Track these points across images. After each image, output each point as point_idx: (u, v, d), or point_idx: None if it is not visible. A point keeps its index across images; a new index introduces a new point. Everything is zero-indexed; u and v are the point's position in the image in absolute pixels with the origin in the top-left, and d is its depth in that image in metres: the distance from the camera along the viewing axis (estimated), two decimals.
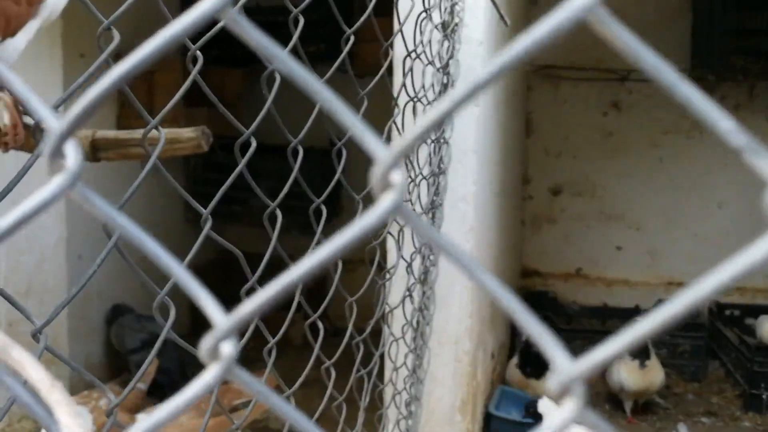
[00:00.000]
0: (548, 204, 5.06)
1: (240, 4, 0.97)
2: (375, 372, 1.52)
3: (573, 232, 5.02)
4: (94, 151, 1.51)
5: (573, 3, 0.29)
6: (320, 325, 1.08)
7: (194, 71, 0.90)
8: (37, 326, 0.69)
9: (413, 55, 1.72)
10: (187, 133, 1.45)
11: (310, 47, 4.25)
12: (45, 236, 3.44)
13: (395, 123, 1.62)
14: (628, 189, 4.86)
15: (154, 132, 1.50)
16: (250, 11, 4.49)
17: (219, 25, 1.17)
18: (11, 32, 1.39)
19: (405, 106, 1.75)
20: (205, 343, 0.33)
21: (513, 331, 4.38)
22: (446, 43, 1.98)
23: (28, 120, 1.48)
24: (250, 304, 0.33)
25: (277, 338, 1.01)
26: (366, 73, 1.84)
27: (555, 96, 4.91)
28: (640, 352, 3.62)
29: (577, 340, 4.58)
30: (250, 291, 0.92)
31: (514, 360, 3.88)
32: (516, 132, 4.43)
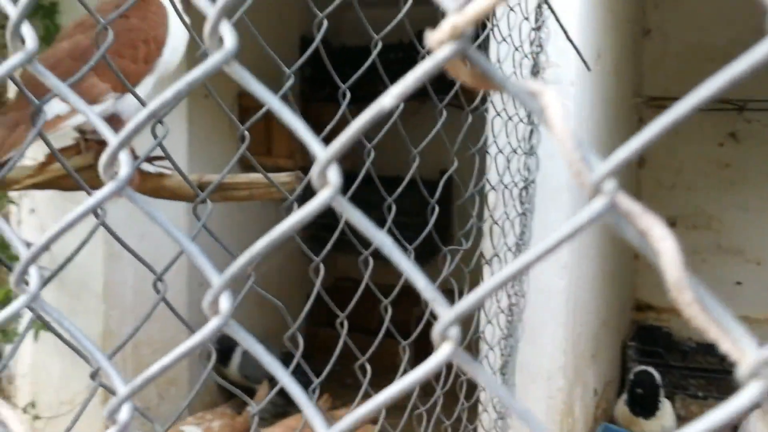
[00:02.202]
0: None
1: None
2: (460, 414, 1.56)
3: (688, 266, 4.84)
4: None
5: None
6: (368, 367, 1.15)
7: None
8: (94, 367, 0.81)
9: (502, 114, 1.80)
10: (282, 177, 1.59)
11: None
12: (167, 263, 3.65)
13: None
14: (747, 222, 4.66)
15: (254, 176, 1.65)
16: (358, 50, 4.67)
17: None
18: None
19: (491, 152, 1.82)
20: (206, 299, 0.42)
21: (624, 367, 4.28)
22: None
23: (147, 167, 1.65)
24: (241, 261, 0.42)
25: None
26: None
27: None
28: None
29: (692, 379, 4.41)
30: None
31: (623, 397, 3.79)
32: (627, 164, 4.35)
